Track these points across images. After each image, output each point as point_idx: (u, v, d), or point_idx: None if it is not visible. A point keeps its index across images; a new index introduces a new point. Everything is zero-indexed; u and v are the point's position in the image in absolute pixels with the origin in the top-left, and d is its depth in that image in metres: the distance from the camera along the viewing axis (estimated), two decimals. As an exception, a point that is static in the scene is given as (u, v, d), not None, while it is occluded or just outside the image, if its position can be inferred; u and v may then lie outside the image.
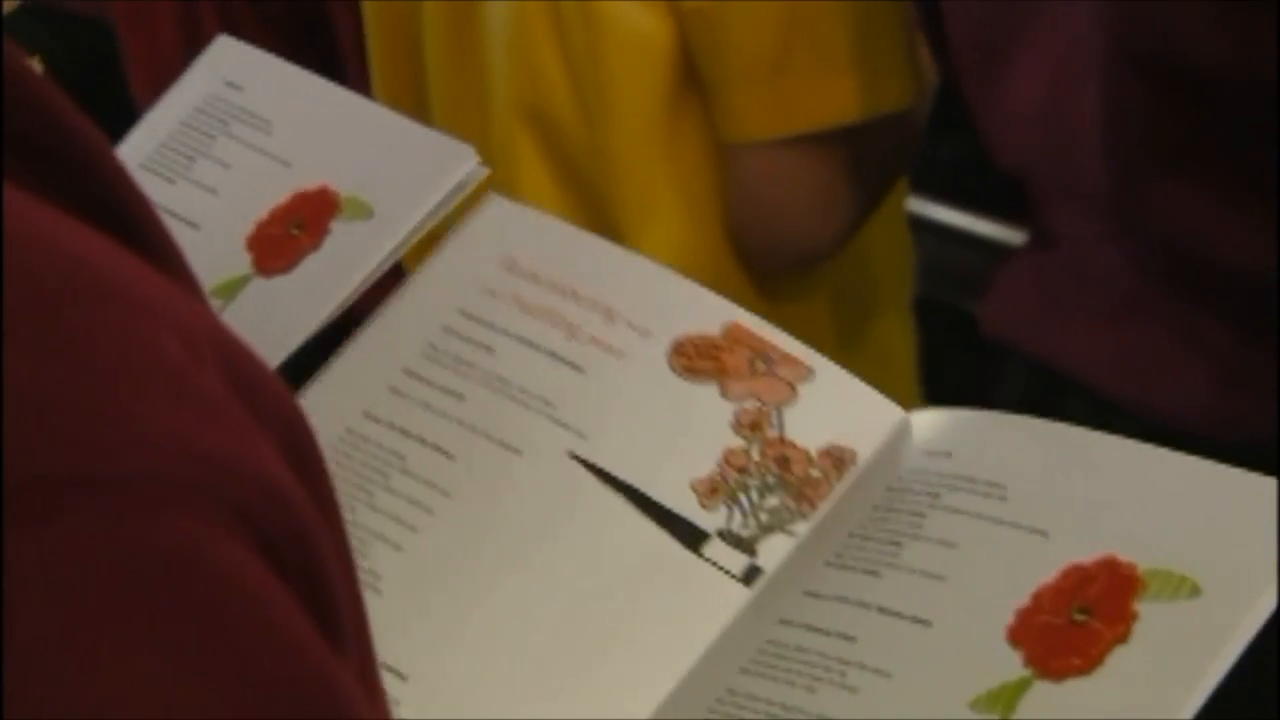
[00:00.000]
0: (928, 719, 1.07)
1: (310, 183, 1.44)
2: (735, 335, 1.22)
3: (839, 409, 1.21)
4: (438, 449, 1.21)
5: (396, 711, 1.08)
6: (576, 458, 1.19)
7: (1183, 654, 1.03)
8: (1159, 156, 1.86)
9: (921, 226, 2.48)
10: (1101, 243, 1.93)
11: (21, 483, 0.57)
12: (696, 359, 1.22)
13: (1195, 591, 1.03)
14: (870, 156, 2.02)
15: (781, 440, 1.19)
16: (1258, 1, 1.76)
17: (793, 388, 1.20)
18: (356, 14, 2.28)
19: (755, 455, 1.19)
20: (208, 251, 1.30)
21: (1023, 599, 1.07)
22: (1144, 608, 1.04)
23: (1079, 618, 1.05)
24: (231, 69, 1.38)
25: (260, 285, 1.49)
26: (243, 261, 1.44)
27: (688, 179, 2.02)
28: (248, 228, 1.43)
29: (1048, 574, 1.08)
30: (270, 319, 1.45)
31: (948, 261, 2.45)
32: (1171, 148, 1.85)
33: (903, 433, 1.20)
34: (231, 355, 0.65)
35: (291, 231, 1.43)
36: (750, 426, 1.19)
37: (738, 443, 1.19)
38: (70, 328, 0.60)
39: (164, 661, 0.57)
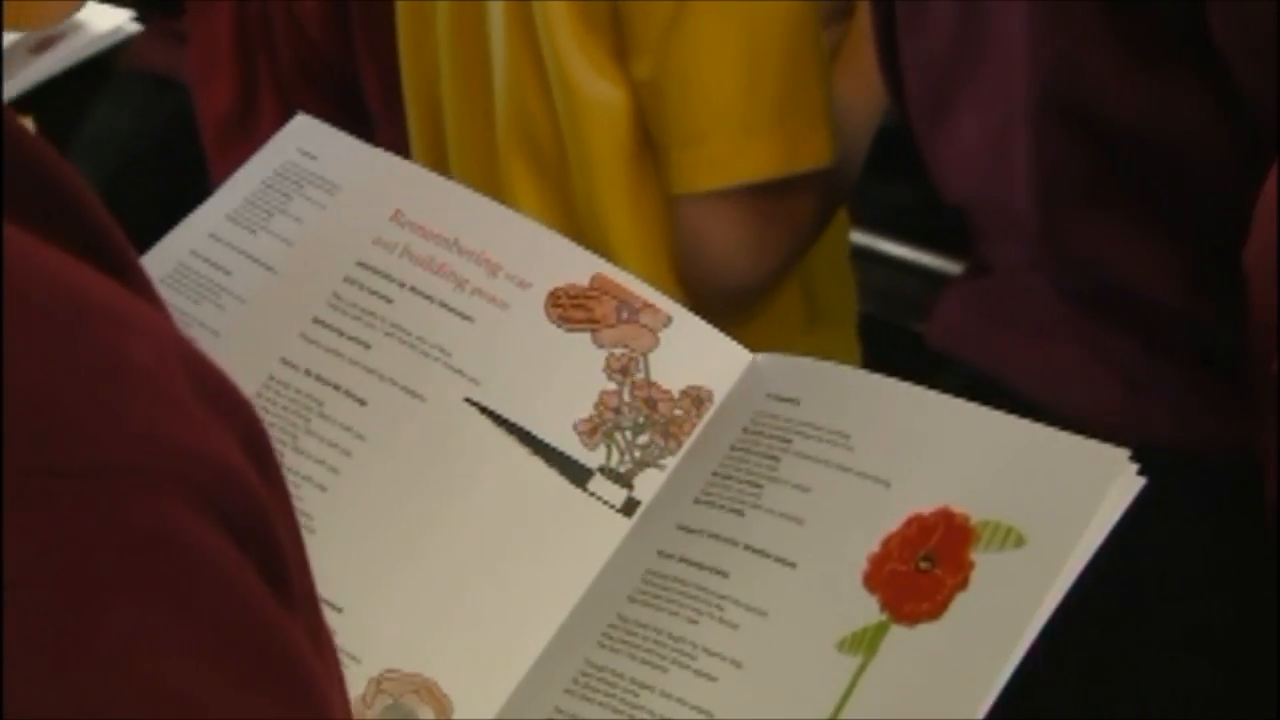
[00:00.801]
0: (801, 660, 1.07)
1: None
2: (601, 285, 1.22)
3: (695, 352, 1.21)
4: (350, 395, 1.20)
5: (335, 639, 1.13)
6: (471, 402, 1.19)
7: (1013, 600, 1.03)
8: (1080, 197, 1.88)
9: (874, 258, 2.51)
10: (1029, 270, 1.94)
11: (17, 472, 0.58)
12: (570, 309, 1.22)
13: (1020, 541, 1.04)
14: (796, 206, 2.03)
15: (648, 383, 1.19)
16: (1165, 68, 1.77)
17: (654, 334, 1.20)
18: (381, 74, 2.34)
19: (626, 397, 1.19)
20: (281, 292, 1.29)
21: (873, 545, 1.08)
22: (979, 557, 1.05)
23: (924, 565, 1.06)
24: (306, 141, 1.37)
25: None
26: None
27: (646, 222, 2.04)
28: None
29: (893, 522, 1.08)
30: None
31: (896, 288, 2.44)
32: (1091, 189, 1.87)
33: (752, 374, 1.20)
34: (195, 364, 0.65)
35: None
36: (620, 371, 1.20)
37: (610, 386, 1.19)
38: (59, 339, 0.61)
39: (142, 617, 0.58)
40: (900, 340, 2.03)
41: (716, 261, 1.97)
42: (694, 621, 1.10)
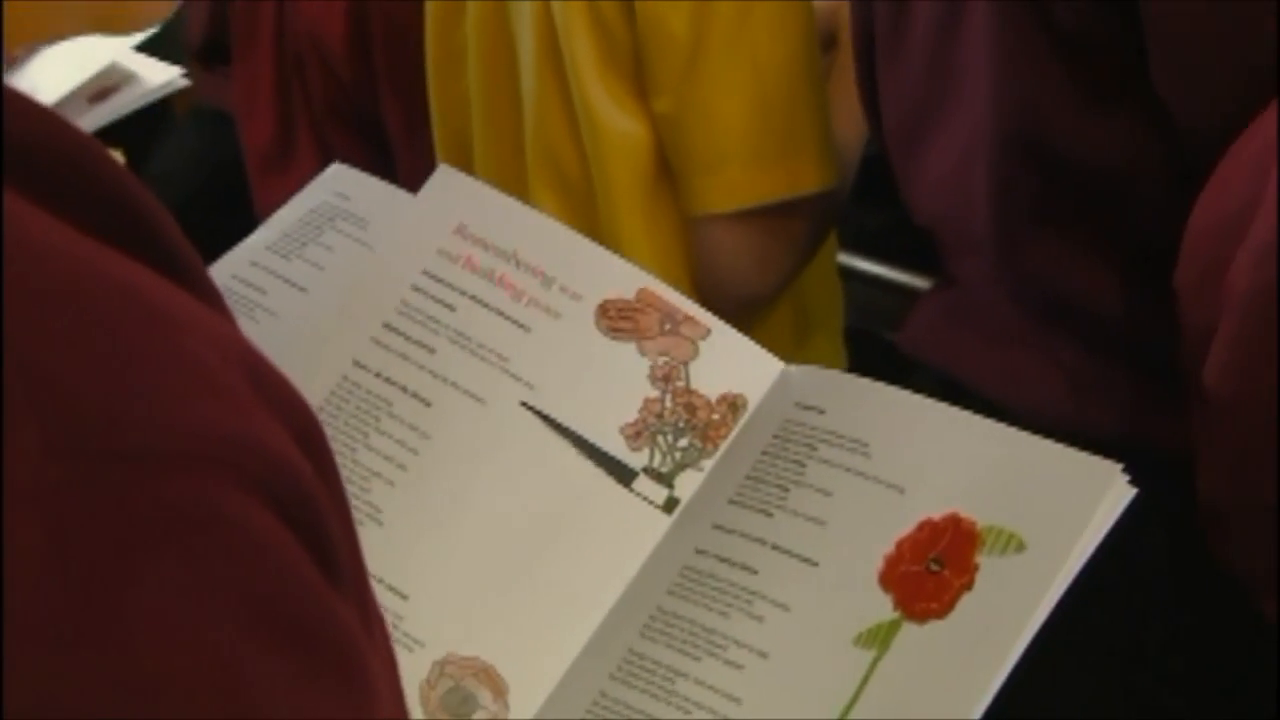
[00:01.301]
0: (820, 653, 1.07)
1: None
2: (647, 299, 1.22)
3: (732, 362, 1.21)
4: (417, 397, 1.20)
5: (401, 625, 1.14)
6: (527, 406, 1.19)
7: (1013, 602, 1.03)
8: (1032, 219, 1.91)
9: (855, 276, 2.54)
10: (988, 284, 1.97)
11: (74, 452, 0.58)
12: (617, 320, 1.21)
13: (1021, 546, 1.05)
14: (799, 224, 2.07)
15: (688, 390, 1.20)
16: (1113, 109, 1.82)
17: (694, 344, 1.20)
18: (403, 110, 2.40)
19: (668, 403, 1.19)
20: (309, 310, 1.30)
21: (888, 547, 1.08)
22: (984, 560, 1.05)
23: (933, 567, 1.06)
24: (341, 185, 1.37)
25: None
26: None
27: (661, 242, 2.08)
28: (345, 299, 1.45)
29: (906, 526, 1.08)
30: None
31: (872, 302, 2.45)
32: (1042, 213, 1.91)
33: (783, 383, 1.20)
34: (255, 364, 0.65)
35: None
36: (663, 379, 1.20)
37: (653, 393, 1.19)
38: (126, 339, 0.61)
39: (183, 582, 0.58)
40: (876, 348, 2.07)
41: (728, 274, 2.01)
42: (725, 615, 1.10)
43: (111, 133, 2.64)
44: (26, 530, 0.57)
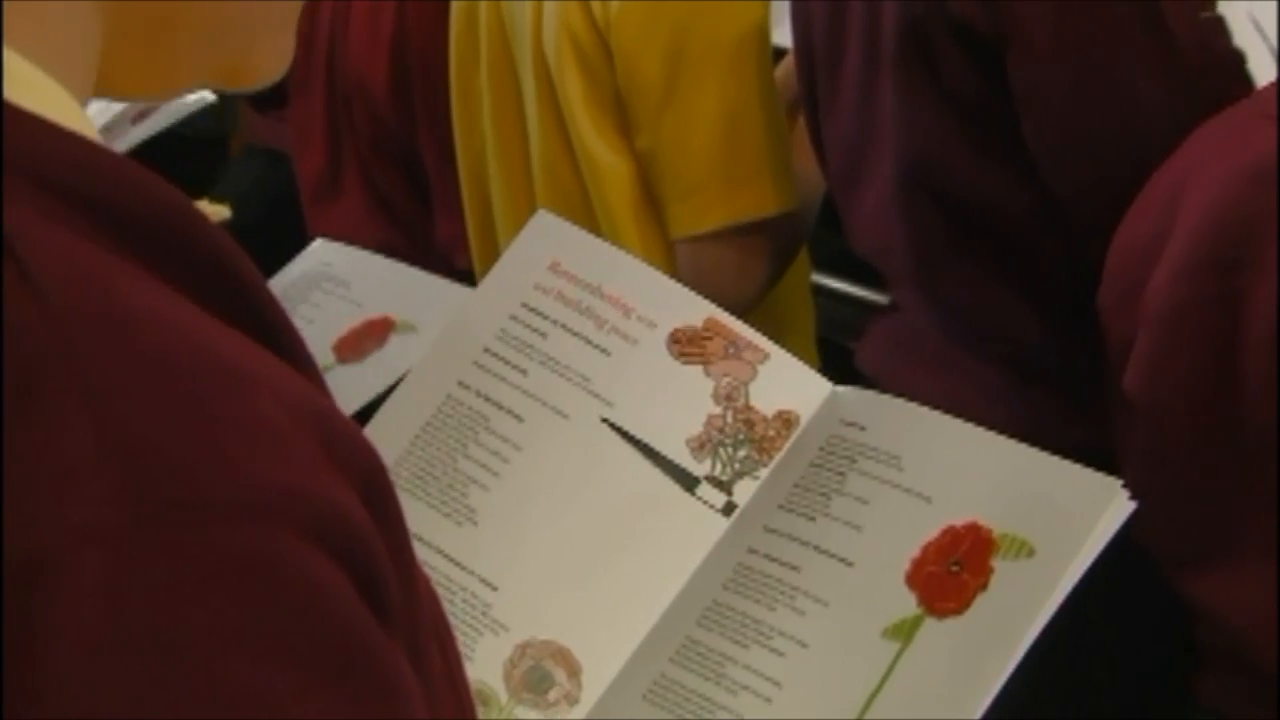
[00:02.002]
0: (853, 643, 1.08)
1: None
2: (712, 327, 1.22)
3: (786, 383, 1.20)
4: (510, 413, 1.20)
5: (490, 612, 1.15)
6: (606, 421, 1.20)
7: (1023, 602, 1.03)
8: (946, 255, 1.96)
9: (826, 293, 2.57)
10: (919, 311, 2.02)
11: (142, 501, 0.57)
12: (686, 345, 1.21)
13: (1031, 552, 1.05)
14: (768, 241, 2.10)
15: (748, 407, 1.19)
16: (1001, 162, 1.89)
17: (754, 367, 1.20)
18: (437, 147, 2.40)
19: (729, 419, 1.19)
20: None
21: (915, 550, 1.08)
22: (998, 564, 1.05)
23: (954, 569, 1.07)
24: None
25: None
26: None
27: (658, 257, 2.09)
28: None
29: (931, 532, 1.09)
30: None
31: (843, 316, 2.46)
32: (953, 249, 1.96)
33: (830, 402, 1.19)
34: (326, 422, 0.64)
35: None
36: (726, 397, 1.20)
37: (717, 410, 1.19)
38: (199, 398, 0.60)
39: (239, 625, 0.57)
40: (842, 355, 2.09)
41: (713, 287, 1.95)
42: (771, 608, 1.11)
43: (175, 169, 2.69)
44: (86, 569, 0.56)
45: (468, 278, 2.27)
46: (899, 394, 1.55)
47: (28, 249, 0.60)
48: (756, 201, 2.08)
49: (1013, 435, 1.73)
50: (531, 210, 2.09)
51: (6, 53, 0.67)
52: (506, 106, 2.23)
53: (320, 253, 1.71)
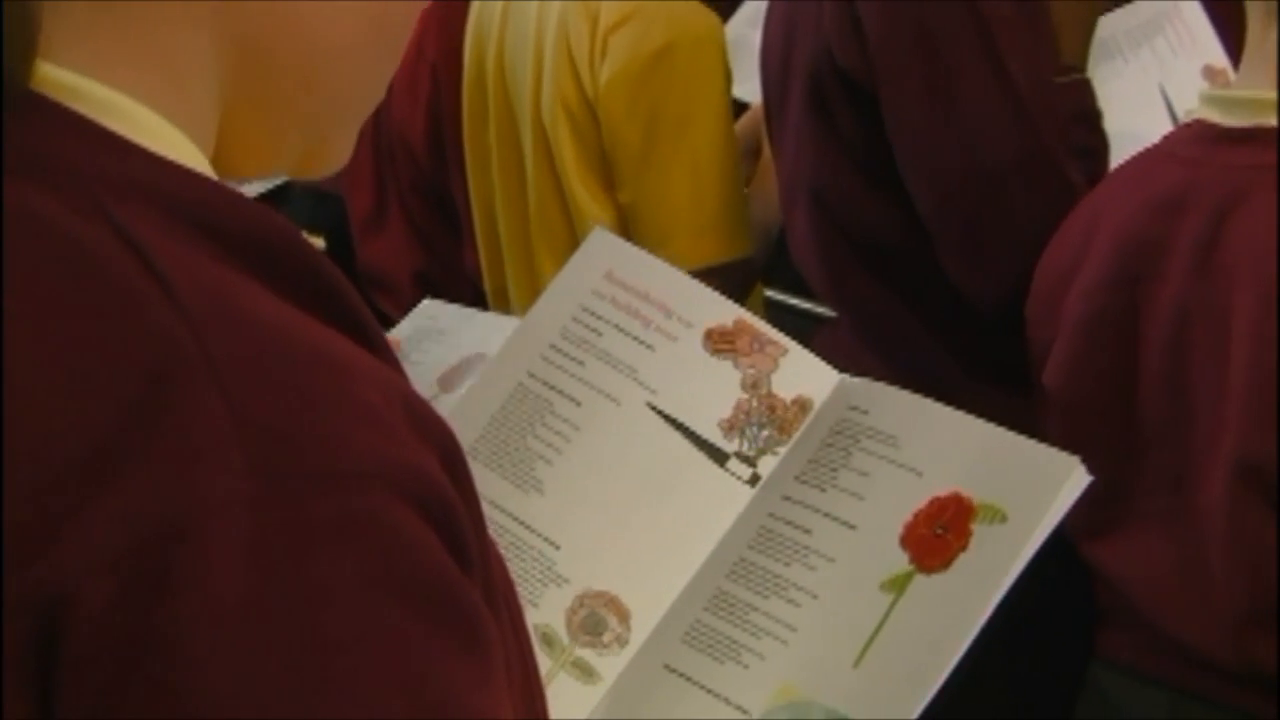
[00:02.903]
0: (855, 595, 1.07)
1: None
2: (740, 326, 1.21)
3: (803, 374, 1.19)
4: (571, 399, 1.20)
5: (554, 568, 1.15)
6: (651, 406, 1.19)
7: (996, 561, 1.03)
8: (847, 268, 2.00)
9: (781, 307, 2.56)
10: (842, 323, 2.06)
11: (280, 472, 0.59)
12: (719, 342, 1.21)
13: (1004, 519, 1.05)
14: (726, 282, 2.02)
15: (770, 394, 1.19)
16: (890, 192, 1.92)
17: (775, 360, 1.20)
18: (465, 193, 2.40)
19: (755, 404, 1.19)
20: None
21: (908, 516, 1.08)
22: (976, 529, 1.05)
23: (939, 532, 1.06)
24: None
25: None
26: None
27: None
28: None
29: (921, 501, 1.08)
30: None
31: (790, 328, 2.28)
32: (852, 263, 2.00)
33: (839, 390, 1.19)
34: (411, 402, 0.64)
35: None
36: (752, 386, 1.19)
37: (744, 396, 1.19)
38: (313, 387, 0.61)
39: (359, 570, 0.59)
40: None
41: None
42: (788, 564, 1.11)
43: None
44: (229, 529, 0.57)
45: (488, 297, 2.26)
46: None
47: (166, 266, 0.62)
48: (715, 249, 2.10)
49: None
50: (529, 246, 2.14)
51: (153, 114, 0.69)
52: (510, 160, 2.24)
53: (427, 311, 1.76)
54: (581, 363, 1.22)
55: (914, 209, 1.89)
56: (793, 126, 2.03)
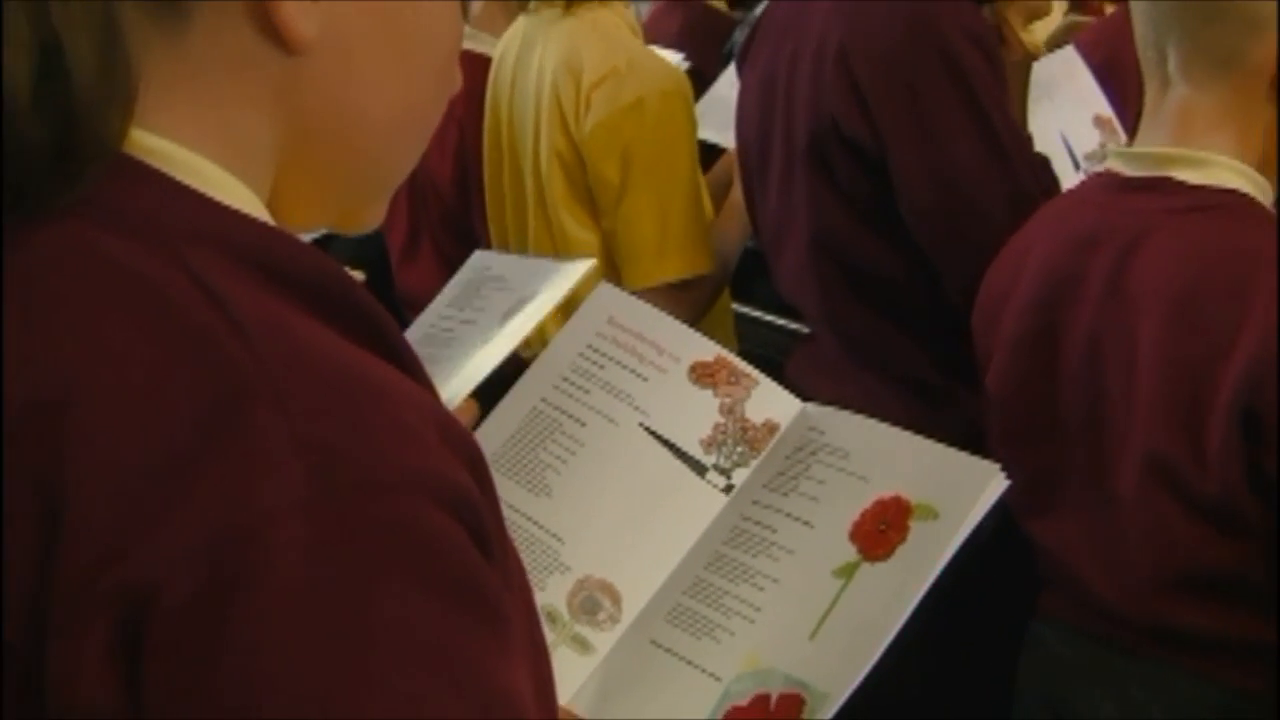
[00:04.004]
0: (811, 581, 1.07)
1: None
2: (720, 362, 1.22)
3: (771, 402, 1.20)
4: (577, 420, 1.21)
5: (558, 558, 1.15)
6: (643, 426, 1.20)
7: (929, 552, 1.03)
8: (845, 300, 2.02)
9: (757, 322, 2.61)
10: (825, 340, 2.07)
11: (337, 482, 0.58)
12: (701, 375, 1.21)
13: (936, 516, 1.06)
14: (693, 293, 2.18)
15: (743, 418, 1.19)
16: (885, 232, 1.94)
17: (749, 390, 1.21)
18: (487, 228, 2.43)
19: (730, 426, 1.19)
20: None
21: (856, 515, 1.09)
22: (913, 525, 1.06)
23: (882, 528, 1.08)
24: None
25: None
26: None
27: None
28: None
29: (868, 502, 1.09)
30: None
31: (774, 339, 2.48)
32: (850, 296, 2.01)
33: (801, 415, 1.19)
34: (441, 419, 0.63)
35: None
36: (728, 411, 1.20)
37: (721, 419, 1.20)
38: (359, 408, 0.61)
39: (403, 564, 0.58)
40: (776, 369, 1.90)
41: None
42: (755, 556, 1.12)
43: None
44: (290, 531, 0.57)
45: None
46: (813, 399, 1.47)
47: (234, 303, 0.62)
48: (678, 267, 2.16)
49: (903, 423, 1.58)
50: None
51: (222, 171, 0.69)
52: (519, 200, 2.30)
53: (479, 260, 1.77)
54: (587, 391, 1.21)
55: (906, 246, 1.89)
56: (775, 183, 2.05)
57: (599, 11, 2.19)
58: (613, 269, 2.19)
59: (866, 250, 1.95)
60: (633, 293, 1.82)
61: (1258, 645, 1.48)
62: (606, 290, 1.28)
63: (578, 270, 1.60)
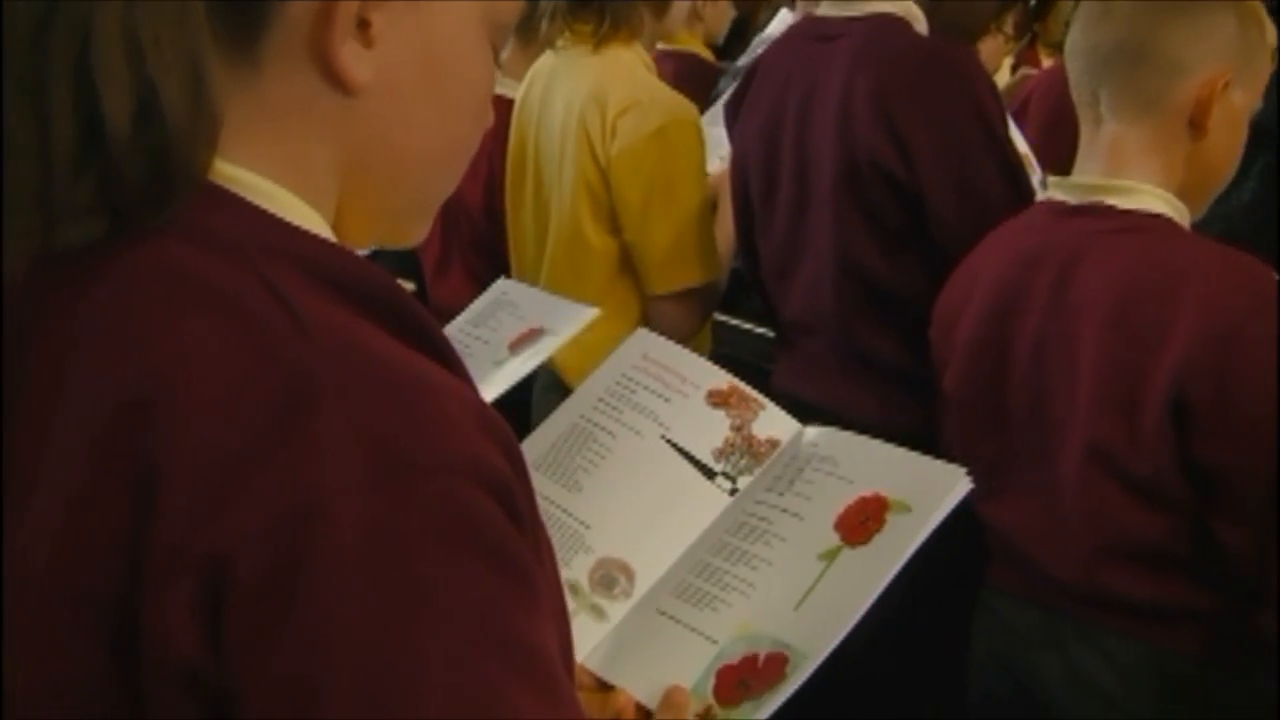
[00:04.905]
0: (799, 563, 1.08)
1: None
2: (732, 389, 1.23)
3: (773, 422, 1.21)
4: (608, 432, 1.22)
5: (583, 541, 1.16)
6: (664, 438, 1.21)
7: (901, 540, 1.04)
8: (861, 317, 2.00)
9: (740, 332, 2.60)
10: (825, 351, 2.08)
11: (395, 464, 0.59)
12: (716, 399, 1.23)
13: (909, 510, 1.06)
14: (700, 299, 2.18)
15: (750, 435, 1.21)
16: (902, 254, 1.94)
17: (756, 412, 1.22)
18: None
19: (738, 441, 1.20)
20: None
21: (840, 510, 1.10)
22: (889, 517, 1.07)
23: (863, 520, 1.09)
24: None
25: None
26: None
27: (623, 312, 2.19)
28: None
29: (850, 500, 1.11)
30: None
31: (757, 348, 2.49)
32: (868, 313, 2.00)
33: (798, 434, 1.20)
34: (480, 410, 0.63)
35: None
36: (737, 429, 1.21)
37: (731, 435, 1.21)
38: (408, 400, 0.61)
39: (450, 537, 0.59)
40: (757, 375, 1.83)
41: (666, 327, 2.00)
42: (753, 543, 1.13)
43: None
44: (350, 509, 0.58)
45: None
46: (798, 402, 1.49)
47: (301, 309, 0.63)
48: (696, 273, 2.17)
49: (884, 421, 1.75)
50: (541, 280, 2.13)
51: (291, 195, 0.69)
52: (542, 222, 2.30)
53: (500, 286, 1.77)
54: (619, 410, 1.23)
55: (929, 269, 1.88)
56: (782, 216, 2.04)
57: (622, 51, 2.20)
58: (631, 275, 2.19)
59: (892, 273, 1.95)
60: (653, 298, 2.14)
61: (1181, 608, 1.50)
62: (643, 333, 1.30)
63: (584, 316, 1.63)
